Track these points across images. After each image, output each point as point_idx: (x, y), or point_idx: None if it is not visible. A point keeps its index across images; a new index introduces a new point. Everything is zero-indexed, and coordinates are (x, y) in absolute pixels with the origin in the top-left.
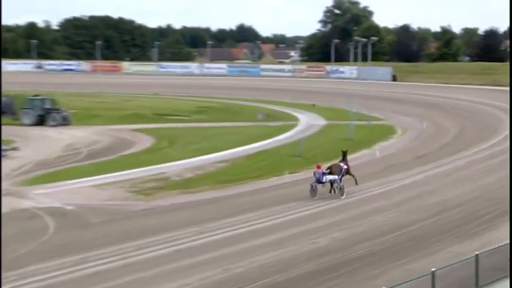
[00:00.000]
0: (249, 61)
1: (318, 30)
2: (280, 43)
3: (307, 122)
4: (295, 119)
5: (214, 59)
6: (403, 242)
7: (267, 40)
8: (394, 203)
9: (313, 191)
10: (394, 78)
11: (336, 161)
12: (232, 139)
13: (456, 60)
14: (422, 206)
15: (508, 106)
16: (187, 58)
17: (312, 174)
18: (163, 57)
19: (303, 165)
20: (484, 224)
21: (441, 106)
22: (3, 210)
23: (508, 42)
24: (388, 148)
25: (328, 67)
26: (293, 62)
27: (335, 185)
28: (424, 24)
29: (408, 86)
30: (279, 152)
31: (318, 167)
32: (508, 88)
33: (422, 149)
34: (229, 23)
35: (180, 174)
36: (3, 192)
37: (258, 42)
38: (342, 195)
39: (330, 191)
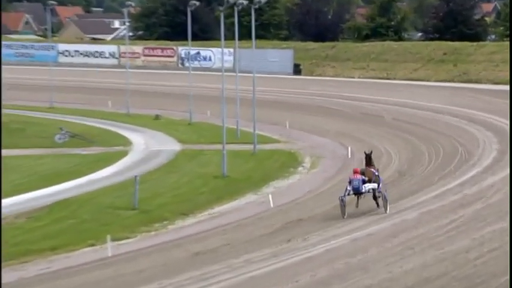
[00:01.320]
0: (36, 36)
1: None
2: (94, 6)
3: (146, 147)
4: (127, 141)
5: None
6: None
7: (68, 0)
8: None
9: (344, 206)
10: (297, 70)
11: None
12: (11, 179)
13: (401, 39)
14: None
15: (486, 119)
16: None
17: (348, 182)
18: None
19: (139, 223)
20: None
21: (376, 117)
22: None
23: (484, 9)
24: (288, 192)
25: (182, 49)
26: (119, 40)
27: (377, 195)
28: None
29: (321, 83)
30: (95, 201)
31: (356, 172)
32: (486, 86)
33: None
34: None
35: None
36: None
37: (52, 2)
38: (387, 208)
39: (358, 205)
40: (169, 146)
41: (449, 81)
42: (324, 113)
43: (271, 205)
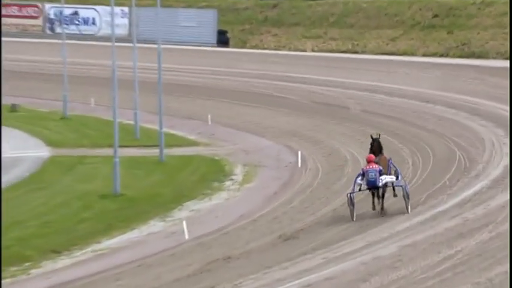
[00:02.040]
0: None
1: None
2: None
3: None
4: None
5: None
6: None
7: None
8: None
9: (353, 206)
10: (224, 39)
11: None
12: None
13: None
14: None
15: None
16: None
17: (360, 174)
18: None
19: None
20: None
21: (338, 108)
22: None
23: None
24: (210, 218)
25: (51, 7)
26: None
27: (396, 189)
28: None
29: (258, 58)
30: None
31: (370, 161)
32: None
33: (292, 218)
34: None
35: None
36: None
37: None
38: (408, 207)
39: (375, 206)
40: (33, 150)
41: (442, 55)
42: (263, 102)
43: (187, 236)
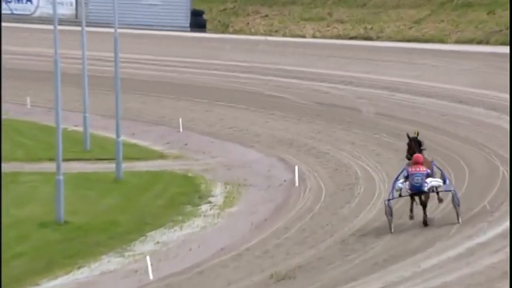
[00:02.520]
0: None
1: None
2: None
3: None
4: None
5: None
6: None
7: None
8: None
9: (391, 216)
10: (199, 22)
11: None
12: None
13: None
14: None
15: None
16: None
17: (401, 175)
18: None
19: None
20: None
21: (347, 110)
22: None
23: None
24: (182, 252)
25: None
26: None
27: (440, 195)
28: None
29: (243, 46)
30: None
31: (418, 162)
32: None
33: (288, 252)
34: None
35: None
36: None
37: None
38: (459, 215)
39: (413, 215)
40: None
41: (481, 42)
42: (251, 102)
43: (151, 276)
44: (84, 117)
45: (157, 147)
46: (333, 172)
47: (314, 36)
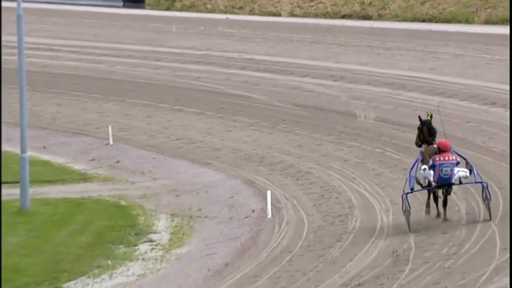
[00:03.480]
0: None
1: None
2: None
3: None
4: None
5: None
6: None
7: None
8: None
9: (409, 213)
10: None
11: None
12: None
13: None
14: None
15: None
16: None
17: (427, 164)
18: None
19: None
20: None
21: (337, 114)
22: None
23: None
24: None
25: None
26: None
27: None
28: None
29: (200, 27)
30: None
31: (446, 149)
32: None
33: None
34: None
35: None
36: None
37: None
38: (490, 211)
39: (441, 213)
40: None
41: None
42: (208, 105)
43: None
44: None
45: (78, 166)
46: (319, 199)
47: (292, 15)
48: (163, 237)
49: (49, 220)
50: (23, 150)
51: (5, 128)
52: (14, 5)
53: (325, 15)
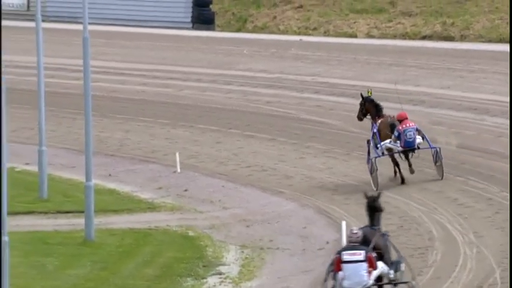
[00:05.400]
0: None
1: None
2: None
3: None
4: None
5: None
6: None
7: None
8: None
9: (376, 173)
10: (205, 16)
11: None
12: None
13: None
14: None
15: None
16: None
17: (384, 133)
18: None
19: None
20: None
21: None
22: None
23: None
24: None
25: None
26: None
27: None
28: None
29: (272, 49)
30: None
31: (405, 117)
32: None
33: None
34: None
35: None
36: None
37: None
38: (443, 170)
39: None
40: None
41: None
42: (279, 131)
43: None
44: (40, 152)
45: (145, 195)
46: (397, 230)
47: (369, 36)
48: (233, 269)
49: (115, 251)
50: (88, 178)
51: (69, 156)
52: (80, 27)
53: (404, 36)
